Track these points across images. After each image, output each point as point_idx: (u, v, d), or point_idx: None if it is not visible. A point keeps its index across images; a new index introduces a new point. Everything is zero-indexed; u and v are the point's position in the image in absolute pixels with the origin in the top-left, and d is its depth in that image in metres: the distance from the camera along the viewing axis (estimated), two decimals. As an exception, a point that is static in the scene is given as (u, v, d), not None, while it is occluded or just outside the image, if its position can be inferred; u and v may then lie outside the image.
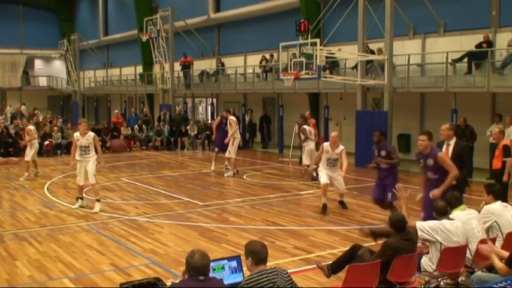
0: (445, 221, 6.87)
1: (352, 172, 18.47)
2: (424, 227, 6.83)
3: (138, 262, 8.92)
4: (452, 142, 9.36)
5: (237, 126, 18.59)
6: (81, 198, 13.26)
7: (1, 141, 23.04)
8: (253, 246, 5.11)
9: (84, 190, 13.56)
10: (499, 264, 6.25)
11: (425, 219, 8.57)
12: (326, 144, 12.61)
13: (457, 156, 9.18)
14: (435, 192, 8.60)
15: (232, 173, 18.00)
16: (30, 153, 17.87)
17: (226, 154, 18.10)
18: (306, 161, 17.25)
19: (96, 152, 13.05)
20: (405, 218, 6.85)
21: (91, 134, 13.06)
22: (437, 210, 7.05)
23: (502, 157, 11.41)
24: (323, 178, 12.45)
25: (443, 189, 8.57)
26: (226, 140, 17.98)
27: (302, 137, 17.54)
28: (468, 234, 7.00)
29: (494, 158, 12.02)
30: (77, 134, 13.00)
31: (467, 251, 6.95)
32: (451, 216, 7.06)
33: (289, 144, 23.92)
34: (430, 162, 8.81)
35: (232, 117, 18.37)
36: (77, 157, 12.90)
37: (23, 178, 17.50)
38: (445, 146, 9.35)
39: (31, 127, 18.50)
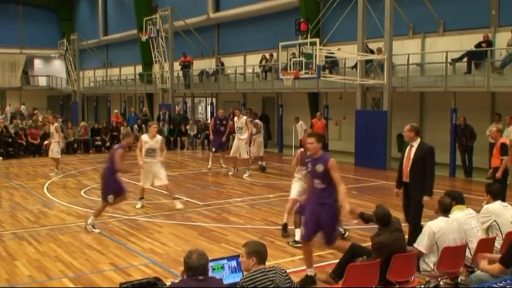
0: (440, 219, 6.88)
1: (351, 171, 18.51)
2: (422, 244, 6.86)
3: (137, 262, 8.91)
4: (416, 144, 8.78)
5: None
6: (142, 198, 13.33)
7: (1, 141, 23.02)
8: (258, 246, 5.13)
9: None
10: (489, 268, 6.26)
11: (305, 235, 7.79)
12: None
13: (419, 159, 8.66)
14: (348, 215, 7.58)
15: (249, 173, 17.84)
16: (59, 150, 18.62)
17: (244, 155, 17.91)
18: (257, 152, 18.39)
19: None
20: (389, 211, 6.88)
21: (159, 137, 13.18)
22: (442, 206, 7.02)
23: (500, 155, 11.43)
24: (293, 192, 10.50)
25: (350, 207, 7.47)
26: (246, 141, 17.84)
27: (254, 130, 18.36)
28: (468, 234, 7.03)
29: (492, 156, 12.03)
30: (145, 137, 13.04)
31: (467, 251, 6.96)
32: (450, 216, 7.07)
33: (289, 143, 23.93)
34: (320, 168, 7.43)
35: (246, 118, 18.32)
36: (144, 159, 12.88)
37: (54, 174, 18.20)
38: (408, 148, 8.89)
39: (57, 124, 18.99)
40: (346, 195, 7.53)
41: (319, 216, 7.59)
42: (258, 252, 5.05)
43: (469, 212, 7.35)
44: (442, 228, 6.78)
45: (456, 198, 7.34)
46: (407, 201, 8.93)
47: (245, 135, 17.83)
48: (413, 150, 8.78)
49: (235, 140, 18.30)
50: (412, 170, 8.76)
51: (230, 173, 18.24)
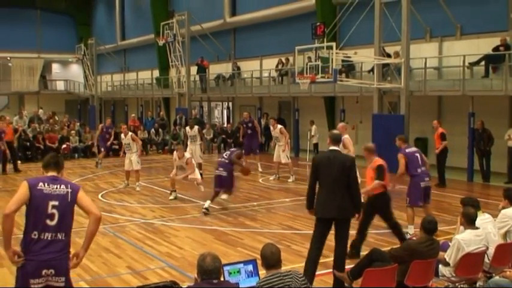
0: (467, 232, 6.77)
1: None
2: (453, 258, 6.76)
3: (154, 265, 8.95)
4: None
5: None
6: None
7: (19, 145, 23.21)
8: (264, 251, 5.16)
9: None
10: (507, 274, 6.20)
11: None
12: None
13: None
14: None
15: (294, 177, 17.83)
16: (139, 160, 16.74)
17: (284, 160, 17.93)
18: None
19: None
20: (436, 221, 6.82)
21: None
22: (468, 218, 6.87)
23: (376, 178, 10.17)
24: None
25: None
26: (283, 148, 17.90)
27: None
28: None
29: (368, 177, 10.38)
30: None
31: (485, 256, 6.90)
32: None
33: (305, 147, 23.91)
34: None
35: (281, 126, 18.38)
36: None
37: (138, 187, 16.50)
38: None
39: (131, 133, 17.25)
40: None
41: None
42: (263, 257, 5.11)
43: (485, 217, 7.28)
44: (471, 241, 6.68)
45: (476, 207, 7.25)
46: None
47: (282, 142, 17.94)
48: None
49: (276, 146, 18.42)
50: None
51: (271, 178, 18.30)
